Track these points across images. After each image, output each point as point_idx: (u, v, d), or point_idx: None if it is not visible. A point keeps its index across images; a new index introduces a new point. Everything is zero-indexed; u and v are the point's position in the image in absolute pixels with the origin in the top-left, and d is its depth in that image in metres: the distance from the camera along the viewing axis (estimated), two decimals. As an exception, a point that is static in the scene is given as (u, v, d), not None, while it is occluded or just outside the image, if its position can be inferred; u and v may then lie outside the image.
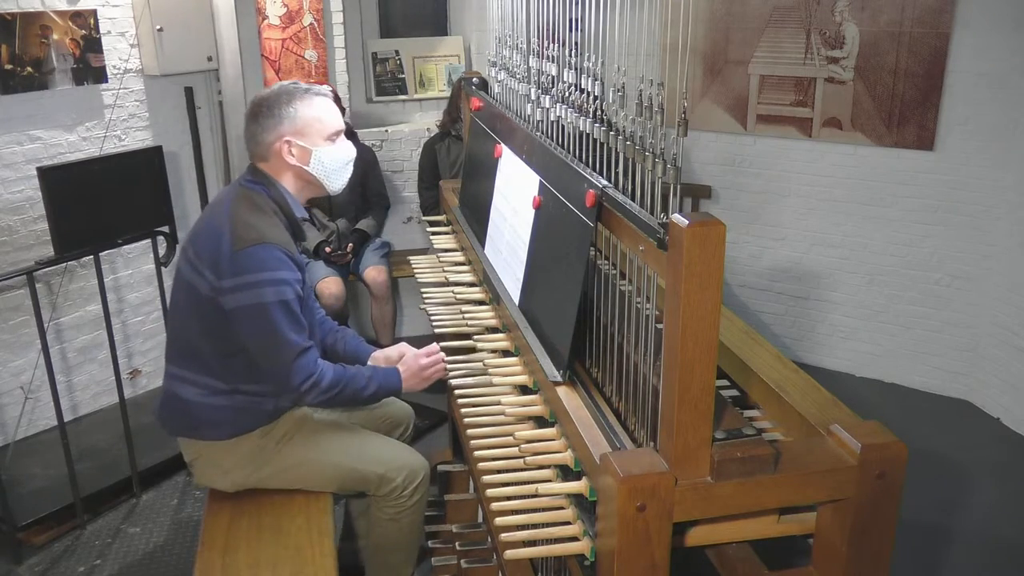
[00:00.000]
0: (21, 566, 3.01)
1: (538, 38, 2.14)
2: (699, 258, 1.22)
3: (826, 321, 4.40)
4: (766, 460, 1.34)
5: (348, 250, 4.09)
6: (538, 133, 2.11)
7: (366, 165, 4.24)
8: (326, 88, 2.21)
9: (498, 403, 1.80)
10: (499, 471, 1.60)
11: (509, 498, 1.53)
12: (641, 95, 1.48)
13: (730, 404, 1.54)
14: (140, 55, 3.82)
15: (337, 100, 3.93)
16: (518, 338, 1.94)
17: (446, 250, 2.72)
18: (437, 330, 2.26)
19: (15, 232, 3.51)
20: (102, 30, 3.65)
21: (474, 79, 2.85)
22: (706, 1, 4.29)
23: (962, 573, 2.92)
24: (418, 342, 2.40)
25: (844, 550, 1.41)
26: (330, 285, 3.93)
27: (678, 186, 1.37)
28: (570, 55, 1.90)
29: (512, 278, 2.10)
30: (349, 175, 2.24)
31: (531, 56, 2.19)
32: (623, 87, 1.60)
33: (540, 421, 1.76)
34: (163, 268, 3.41)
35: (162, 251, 3.37)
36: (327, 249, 4.03)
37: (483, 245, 2.42)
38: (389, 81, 4.77)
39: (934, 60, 3.79)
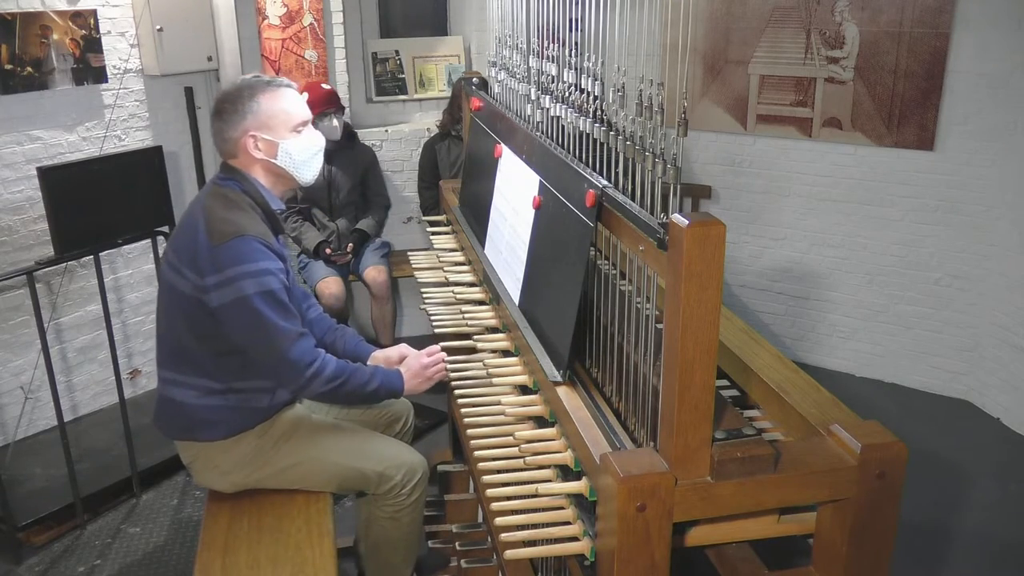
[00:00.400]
0: (21, 566, 3.01)
1: (538, 38, 2.14)
2: (699, 258, 1.22)
3: (826, 321, 4.40)
4: (766, 460, 1.34)
5: (348, 250, 4.09)
6: (538, 133, 2.11)
7: (366, 165, 4.25)
8: (288, 80, 2.19)
9: (498, 403, 1.80)
10: (499, 471, 1.60)
11: (509, 498, 1.53)
12: (641, 95, 1.48)
13: (730, 404, 1.54)
14: (140, 55, 3.82)
15: (337, 100, 3.99)
16: (518, 338, 1.94)
17: (446, 250, 2.72)
18: (437, 330, 2.25)
19: (15, 232, 3.51)
20: (102, 30, 3.65)
21: (474, 79, 2.85)
22: (706, 1, 4.29)
23: (962, 573, 2.92)
24: (418, 342, 2.40)
25: (844, 550, 1.41)
26: (330, 285, 3.93)
27: (678, 186, 1.37)
28: (570, 55, 1.90)
29: (512, 278, 2.10)
30: (320, 165, 2.24)
31: (531, 56, 2.19)
32: (623, 87, 1.60)
33: (540, 421, 1.76)
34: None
35: (162, 251, 3.37)
36: (327, 249, 4.03)
37: (483, 245, 2.42)
38: (389, 81, 4.77)
39: (934, 60, 3.79)
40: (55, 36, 3.47)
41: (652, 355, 1.43)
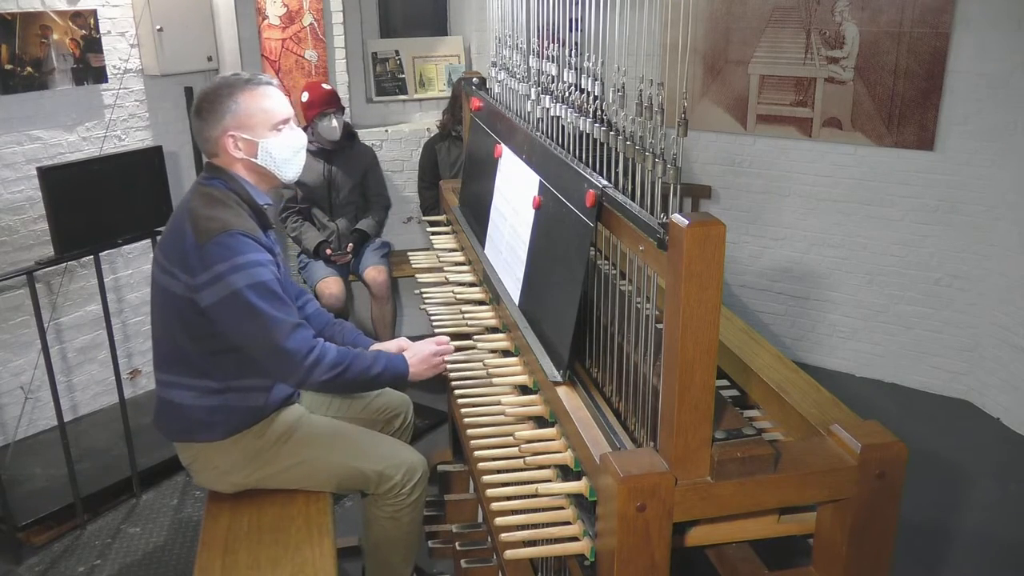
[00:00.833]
0: (21, 566, 3.01)
1: (538, 38, 2.14)
2: (699, 258, 1.21)
3: (826, 321, 4.40)
4: (766, 460, 1.34)
5: (348, 250, 4.09)
6: (538, 133, 2.11)
7: (366, 165, 4.25)
8: (269, 76, 2.17)
9: (498, 403, 1.80)
10: (499, 471, 1.60)
11: (509, 498, 1.53)
12: (641, 95, 1.48)
13: (730, 404, 1.54)
14: (140, 55, 3.82)
15: (337, 100, 3.99)
16: (518, 338, 1.94)
17: (446, 250, 2.72)
18: (437, 330, 2.25)
19: (15, 232, 3.51)
20: (102, 30, 3.65)
21: (474, 79, 2.85)
22: (706, 1, 4.29)
23: (962, 573, 2.92)
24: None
25: (844, 550, 1.41)
26: (330, 285, 3.93)
27: (678, 186, 1.37)
28: (570, 55, 1.90)
29: (512, 278, 2.10)
30: (302, 162, 2.21)
31: (531, 56, 2.19)
32: (623, 87, 1.60)
33: (540, 421, 1.76)
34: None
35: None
36: (327, 249, 4.03)
37: (483, 245, 2.42)
38: (389, 81, 4.77)
39: (934, 60, 3.79)
40: (55, 36, 3.47)
41: (652, 355, 1.43)
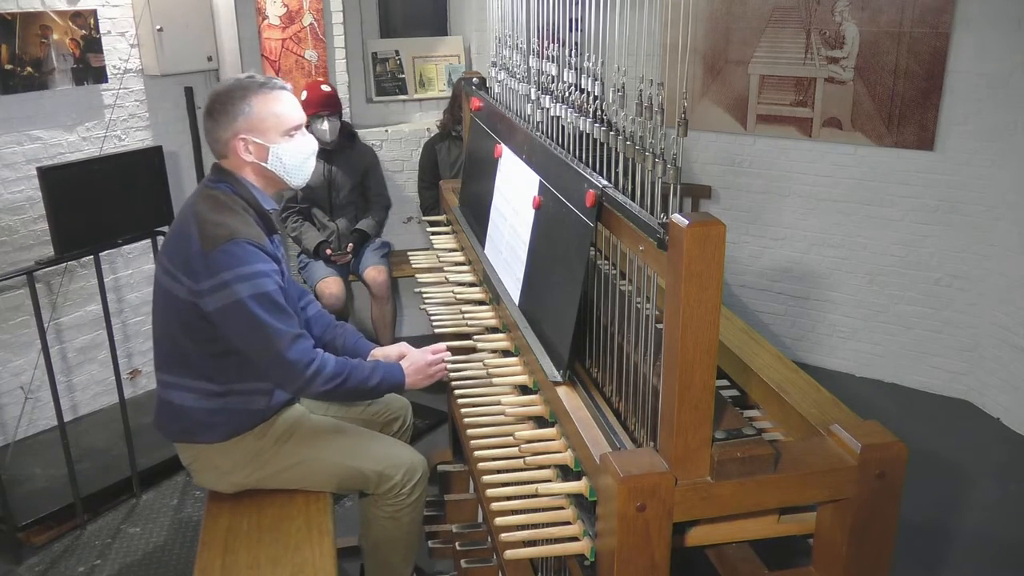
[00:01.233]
0: (21, 566, 3.01)
1: (538, 38, 2.14)
2: (699, 258, 1.21)
3: (826, 321, 4.40)
4: (766, 460, 1.34)
5: (348, 250, 4.09)
6: (538, 133, 2.11)
7: (366, 165, 4.25)
8: (282, 81, 2.16)
9: (498, 403, 1.80)
10: (499, 471, 1.60)
11: (509, 498, 1.53)
12: (641, 95, 1.48)
13: (730, 404, 1.54)
14: (140, 55, 3.82)
15: (333, 103, 3.99)
16: (518, 338, 1.94)
17: (446, 250, 2.72)
18: (437, 330, 2.25)
19: (15, 232, 3.51)
20: (102, 30, 3.65)
21: (474, 79, 2.85)
22: (706, 1, 4.29)
23: (962, 573, 2.92)
24: (418, 342, 2.39)
25: (844, 550, 1.41)
26: (330, 285, 3.93)
27: (678, 186, 1.37)
28: (570, 55, 1.90)
29: (512, 278, 2.10)
30: (312, 169, 2.21)
31: (531, 56, 2.19)
32: (623, 87, 1.60)
33: (540, 421, 1.76)
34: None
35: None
36: (327, 249, 4.03)
37: (483, 245, 2.42)
38: (389, 81, 4.77)
39: (934, 60, 3.79)
40: (55, 36, 3.47)
41: (652, 355, 1.42)
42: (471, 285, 2.44)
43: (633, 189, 1.52)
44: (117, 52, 3.75)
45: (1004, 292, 3.83)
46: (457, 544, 2.58)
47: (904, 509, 1.45)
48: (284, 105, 2.11)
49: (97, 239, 3.08)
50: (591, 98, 1.76)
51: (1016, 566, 2.97)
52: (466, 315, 2.23)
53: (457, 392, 1.92)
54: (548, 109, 2.03)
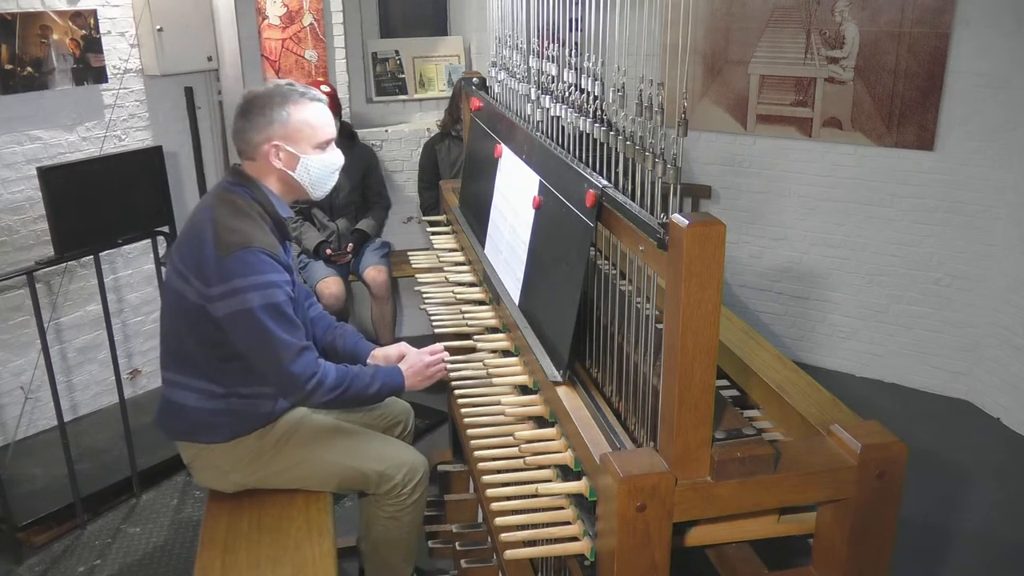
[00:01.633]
0: (21, 566, 3.01)
1: (538, 38, 2.14)
2: (699, 258, 1.21)
3: (826, 321, 4.40)
4: (766, 460, 1.34)
5: (348, 250, 4.09)
6: (538, 133, 2.11)
7: (366, 165, 4.25)
8: (320, 93, 2.16)
9: (498, 403, 1.80)
10: (499, 471, 1.60)
11: (509, 498, 1.53)
12: (641, 95, 1.48)
13: (730, 404, 1.54)
14: (140, 55, 3.82)
15: (336, 100, 3.99)
16: (518, 338, 1.94)
17: (446, 250, 2.72)
18: (437, 330, 2.26)
19: (15, 232, 3.51)
20: (102, 30, 3.65)
21: (474, 79, 2.85)
22: (706, 1, 4.29)
23: (962, 573, 2.92)
24: (418, 342, 2.39)
25: (844, 550, 1.41)
26: (330, 285, 3.93)
27: (678, 186, 1.37)
28: (570, 55, 1.90)
29: (512, 278, 2.10)
30: (334, 183, 2.23)
31: (531, 56, 2.19)
32: (623, 87, 1.60)
33: (540, 421, 1.76)
34: (163, 268, 3.41)
35: (162, 251, 3.37)
36: (327, 249, 4.03)
37: (483, 245, 2.42)
38: (389, 81, 4.77)
39: (934, 60, 3.79)
40: (55, 36, 3.47)
41: (652, 355, 1.43)
42: (471, 285, 2.44)
43: (633, 189, 1.52)
44: (117, 52, 3.75)
45: (1004, 292, 3.83)
46: (457, 544, 2.58)
47: (904, 509, 1.45)
48: (319, 117, 2.12)
49: (97, 239, 3.08)
50: (591, 98, 1.76)
51: (1016, 566, 2.97)
52: (466, 315, 2.23)
53: (457, 392, 1.92)
54: (548, 109, 2.03)
